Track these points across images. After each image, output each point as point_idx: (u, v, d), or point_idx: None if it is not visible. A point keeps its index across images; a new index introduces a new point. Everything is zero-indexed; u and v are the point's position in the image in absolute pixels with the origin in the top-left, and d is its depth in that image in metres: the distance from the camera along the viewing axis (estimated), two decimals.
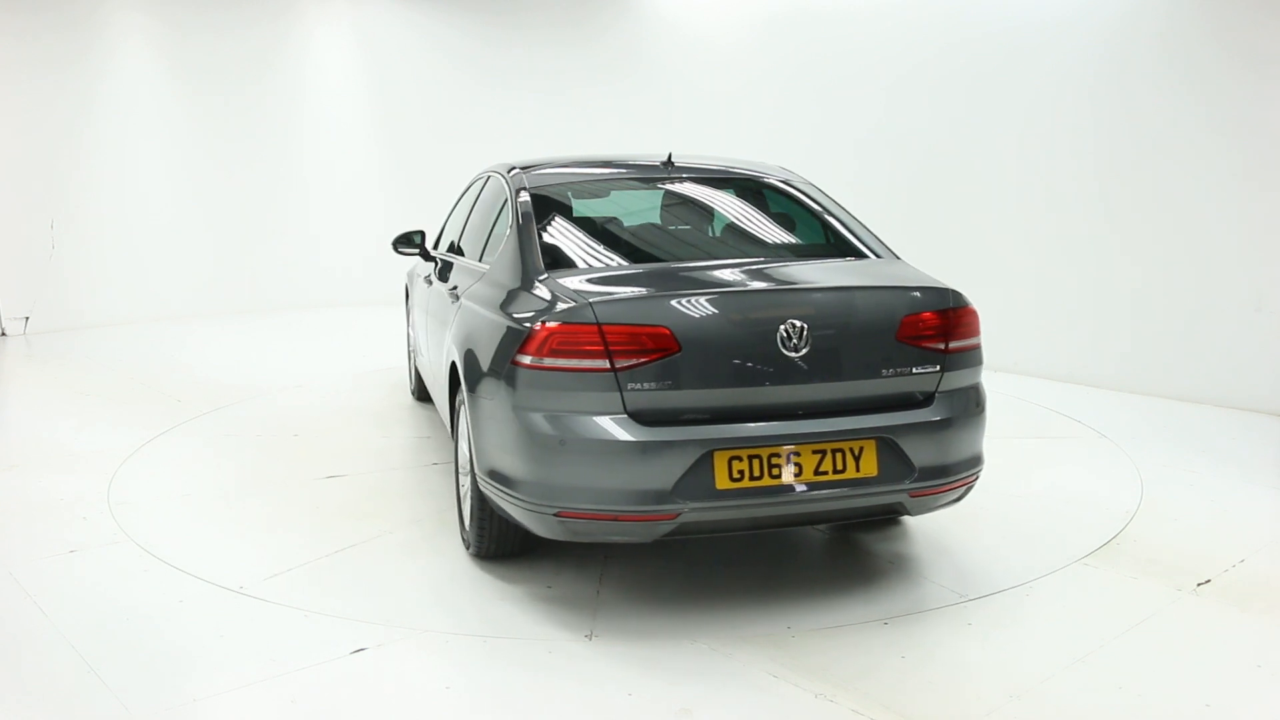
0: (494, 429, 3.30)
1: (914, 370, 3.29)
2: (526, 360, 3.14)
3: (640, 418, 3.09)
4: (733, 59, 9.11)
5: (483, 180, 4.92)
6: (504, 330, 3.33)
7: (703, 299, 3.21)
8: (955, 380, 3.38)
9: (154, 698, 2.83)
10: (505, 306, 3.44)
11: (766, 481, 3.09)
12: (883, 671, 2.97)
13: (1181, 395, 6.34)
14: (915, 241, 7.33)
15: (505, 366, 3.23)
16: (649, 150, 4.65)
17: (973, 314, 3.47)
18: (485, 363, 3.41)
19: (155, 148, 9.92)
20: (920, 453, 3.24)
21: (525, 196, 3.93)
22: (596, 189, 4.43)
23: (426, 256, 5.25)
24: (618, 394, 3.07)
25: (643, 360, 3.07)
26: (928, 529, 4.07)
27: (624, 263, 3.76)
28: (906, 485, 3.22)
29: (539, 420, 3.13)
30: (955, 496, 3.46)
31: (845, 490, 3.15)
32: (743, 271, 3.51)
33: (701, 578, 3.67)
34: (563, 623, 3.29)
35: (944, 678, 2.96)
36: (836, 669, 2.97)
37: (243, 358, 8.08)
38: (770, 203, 4.20)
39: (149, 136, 9.85)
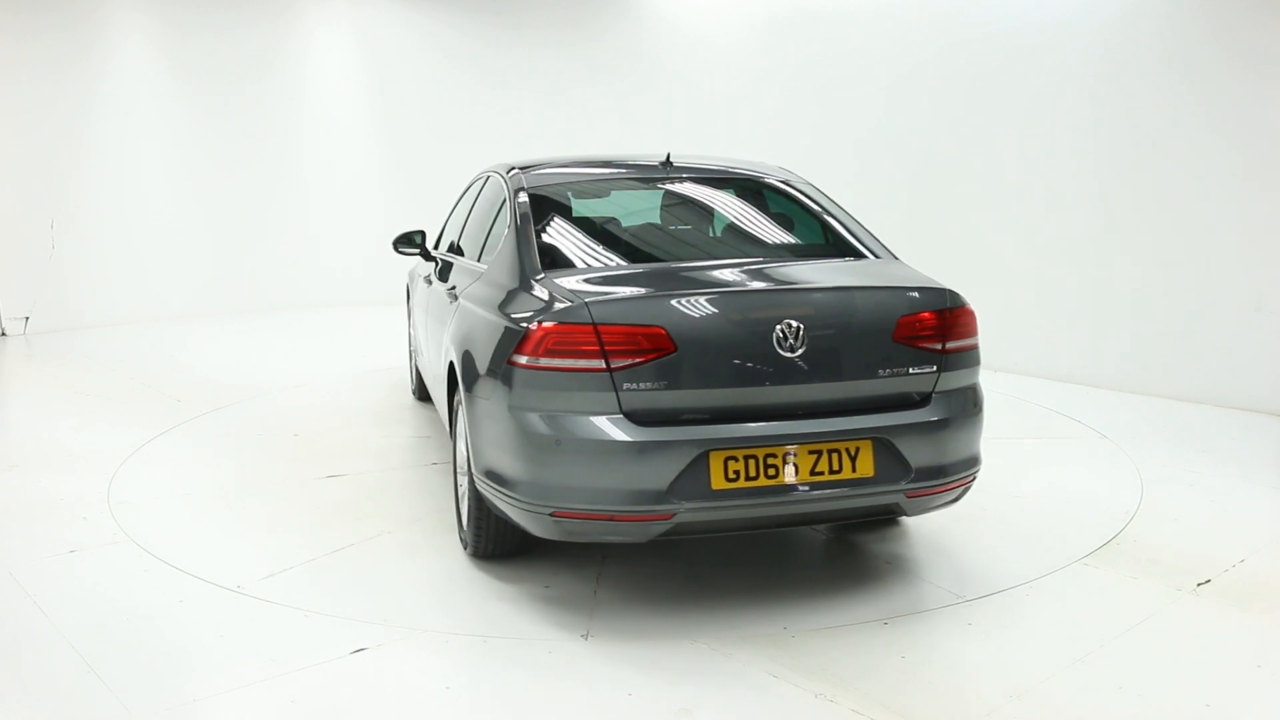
0: (490, 429, 3.30)
1: (910, 370, 3.29)
2: (523, 360, 3.14)
3: (636, 418, 3.09)
4: (733, 59, 9.11)
5: (482, 180, 4.93)
6: (500, 330, 3.33)
7: (699, 299, 3.21)
8: (952, 381, 3.38)
9: (154, 698, 2.83)
10: (502, 306, 3.44)
11: (762, 482, 3.09)
12: (883, 671, 2.97)
13: (1181, 395, 6.34)
14: (915, 241, 7.33)
15: (502, 366, 3.23)
16: (649, 150, 4.65)
17: (970, 314, 3.46)
18: (482, 362, 3.41)
19: (155, 148, 9.92)
20: (916, 453, 3.23)
21: (523, 197, 3.93)
22: (595, 189, 4.44)
23: (427, 256, 5.25)
24: (613, 394, 3.07)
25: (638, 360, 3.07)
26: (927, 529, 4.07)
27: (621, 263, 3.76)
28: (903, 486, 3.22)
29: (535, 420, 3.13)
30: (952, 497, 3.46)
31: (841, 491, 3.15)
32: (740, 271, 3.51)
33: (699, 578, 3.68)
34: (560, 623, 3.29)
35: (944, 678, 2.96)
36: (836, 669, 2.97)
37: (243, 358, 8.08)
38: (768, 203, 4.20)
39: (149, 136, 9.85)
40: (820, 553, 3.97)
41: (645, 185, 4.34)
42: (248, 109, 10.38)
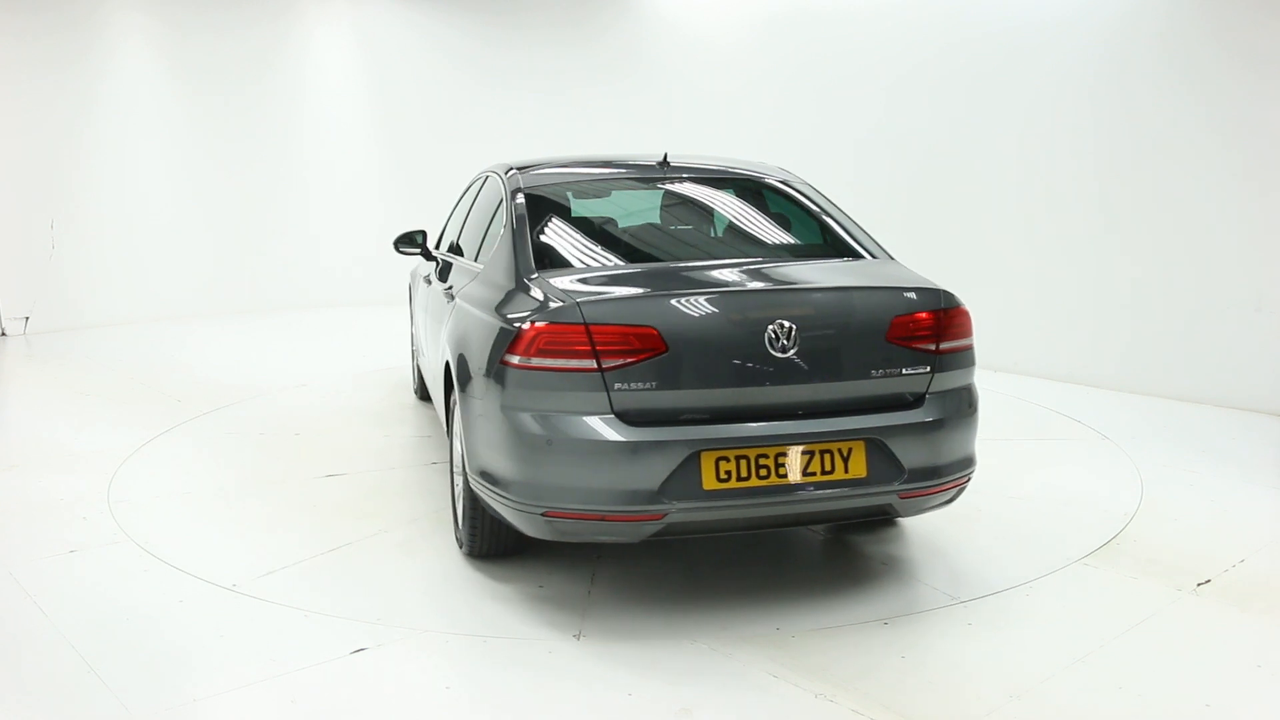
0: (484, 428, 3.31)
1: (904, 371, 3.28)
2: (515, 360, 3.15)
3: (627, 418, 3.09)
4: (733, 59, 9.11)
5: (482, 180, 4.93)
6: (493, 330, 3.34)
7: (691, 299, 3.21)
8: (946, 381, 3.37)
9: (154, 698, 2.83)
10: (496, 306, 3.45)
11: (754, 482, 3.09)
12: (882, 671, 2.97)
13: (1181, 395, 6.34)
14: (915, 241, 7.33)
15: (495, 366, 3.23)
16: (648, 150, 4.66)
17: (964, 314, 3.46)
18: (476, 362, 3.42)
19: (155, 148, 9.91)
20: (910, 454, 3.23)
21: (520, 198, 3.94)
22: (592, 189, 4.44)
23: (428, 256, 5.26)
24: (604, 394, 3.07)
25: (630, 360, 3.08)
26: (926, 530, 4.07)
27: (616, 263, 3.77)
28: (896, 486, 3.21)
29: (527, 420, 3.13)
30: (946, 498, 3.45)
31: (834, 491, 3.15)
32: (733, 271, 3.51)
33: (693, 578, 3.68)
34: (553, 622, 3.29)
35: (944, 678, 2.96)
36: (836, 669, 2.97)
37: (243, 358, 8.08)
38: (765, 203, 4.20)
39: (149, 136, 9.85)
40: (818, 553, 3.97)
41: (642, 185, 4.34)
42: (248, 109, 10.38)
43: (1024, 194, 7.12)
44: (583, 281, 3.42)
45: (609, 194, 4.41)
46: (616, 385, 3.07)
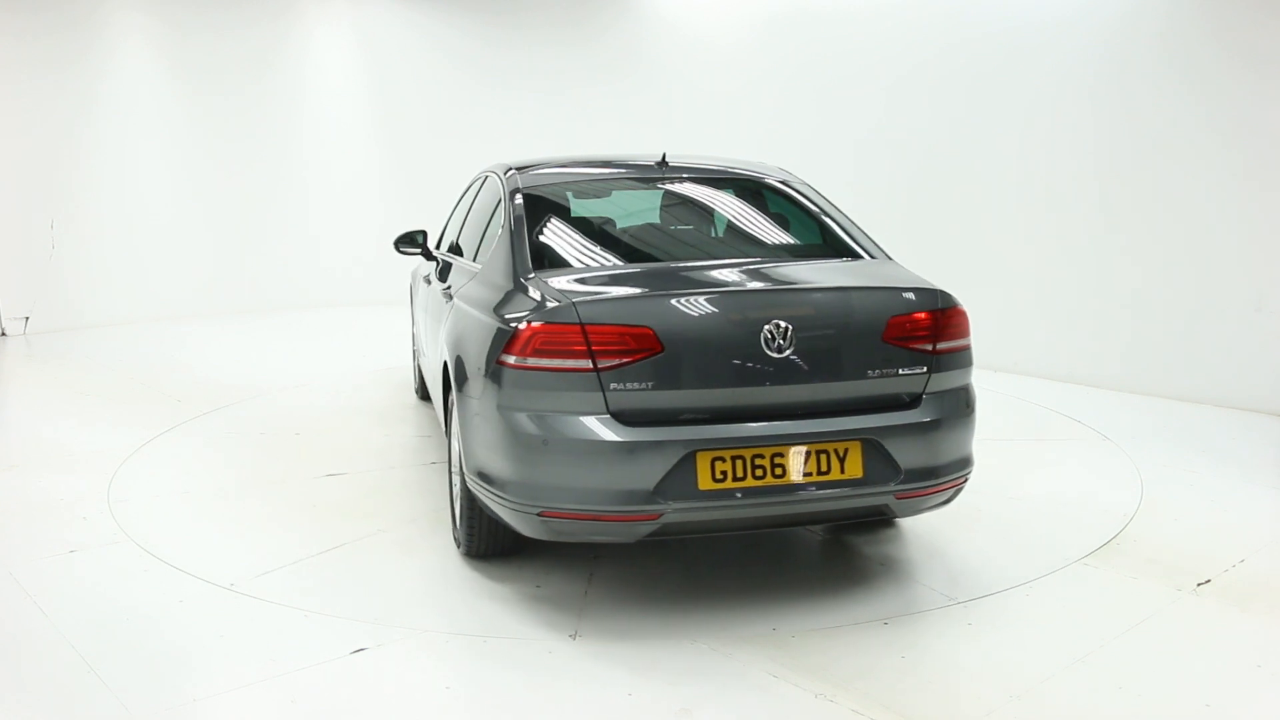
0: (480, 428, 3.31)
1: (900, 371, 3.27)
2: (511, 360, 3.15)
3: (623, 418, 3.09)
4: (733, 59, 9.11)
5: (481, 180, 4.94)
6: (490, 330, 3.34)
7: (686, 299, 3.21)
8: (943, 381, 3.37)
9: (154, 698, 2.83)
10: (493, 306, 3.45)
11: (750, 483, 3.09)
12: (882, 671, 2.97)
13: (1181, 395, 6.34)
14: (915, 241, 7.34)
15: (491, 366, 3.24)
16: (647, 150, 4.66)
17: (962, 315, 3.45)
18: (473, 362, 3.42)
19: (155, 148, 9.91)
20: (906, 454, 3.22)
21: (519, 198, 3.94)
22: (590, 189, 4.44)
23: (428, 256, 5.26)
24: (600, 394, 3.07)
25: (625, 360, 3.08)
26: (926, 530, 4.07)
27: (614, 263, 3.77)
28: (892, 487, 3.21)
29: (523, 420, 3.14)
30: (943, 499, 3.44)
31: (830, 492, 3.15)
32: (730, 272, 3.51)
33: (690, 578, 3.68)
34: (549, 622, 3.29)
35: (944, 678, 2.96)
36: (836, 669, 2.97)
37: (243, 358, 8.08)
38: (763, 203, 4.20)
39: (149, 136, 9.85)
40: (817, 554, 3.97)
41: (641, 185, 4.34)
42: (248, 109, 10.38)
43: (1024, 194, 7.12)
44: (580, 281, 3.42)
45: (607, 194, 4.41)
46: (612, 385, 3.07)
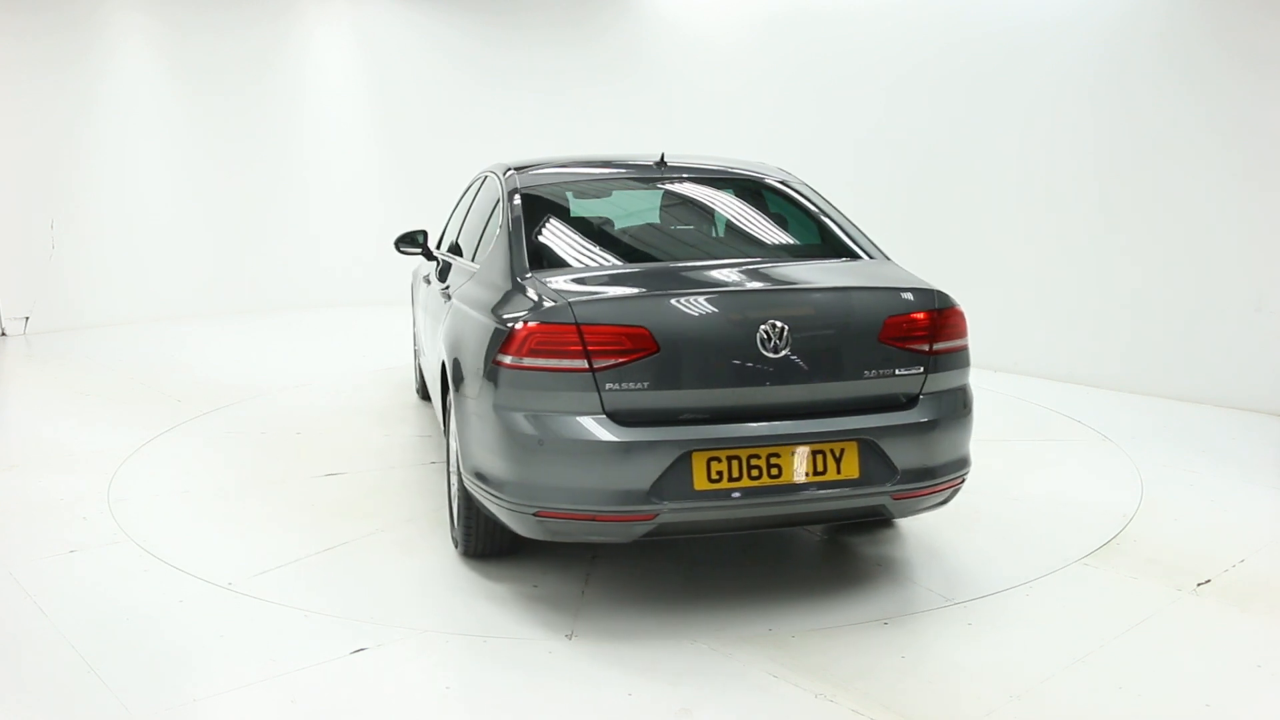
0: (477, 428, 3.31)
1: (897, 372, 3.27)
2: (507, 360, 3.15)
3: (618, 418, 3.09)
4: (733, 59, 9.10)
5: (481, 180, 4.94)
6: (486, 330, 3.34)
7: (682, 299, 3.21)
8: (941, 382, 3.36)
9: (154, 698, 2.83)
10: (490, 306, 3.46)
11: (746, 483, 3.09)
12: (882, 671, 2.97)
13: (1181, 395, 6.34)
14: (915, 241, 7.34)
15: (487, 366, 3.24)
16: (647, 150, 4.66)
17: (959, 315, 3.45)
18: (470, 362, 3.43)
19: (155, 148, 9.91)
20: (902, 455, 3.22)
21: (517, 198, 3.94)
22: (588, 189, 4.45)
23: (429, 256, 5.27)
24: (595, 394, 3.08)
25: (621, 360, 3.08)
26: (926, 530, 4.07)
27: (611, 263, 3.77)
28: (889, 487, 3.20)
29: (519, 420, 3.14)
30: (941, 499, 3.44)
31: (826, 492, 3.14)
32: (727, 272, 3.51)
33: (687, 578, 3.68)
34: (546, 622, 3.29)
35: (944, 678, 2.96)
36: (836, 669, 2.97)
37: (243, 358, 8.08)
38: (761, 203, 4.19)
39: (149, 136, 9.85)
40: (817, 554, 3.97)
41: (639, 185, 4.34)
42: (248, 109, 10.38)
43: (1024, 194, 7.12)
44: (576, 281, 3.43)
45: (605, 194, 4.41)
46: (608, 385, 3.07)
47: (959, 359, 3.44)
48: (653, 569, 3.72)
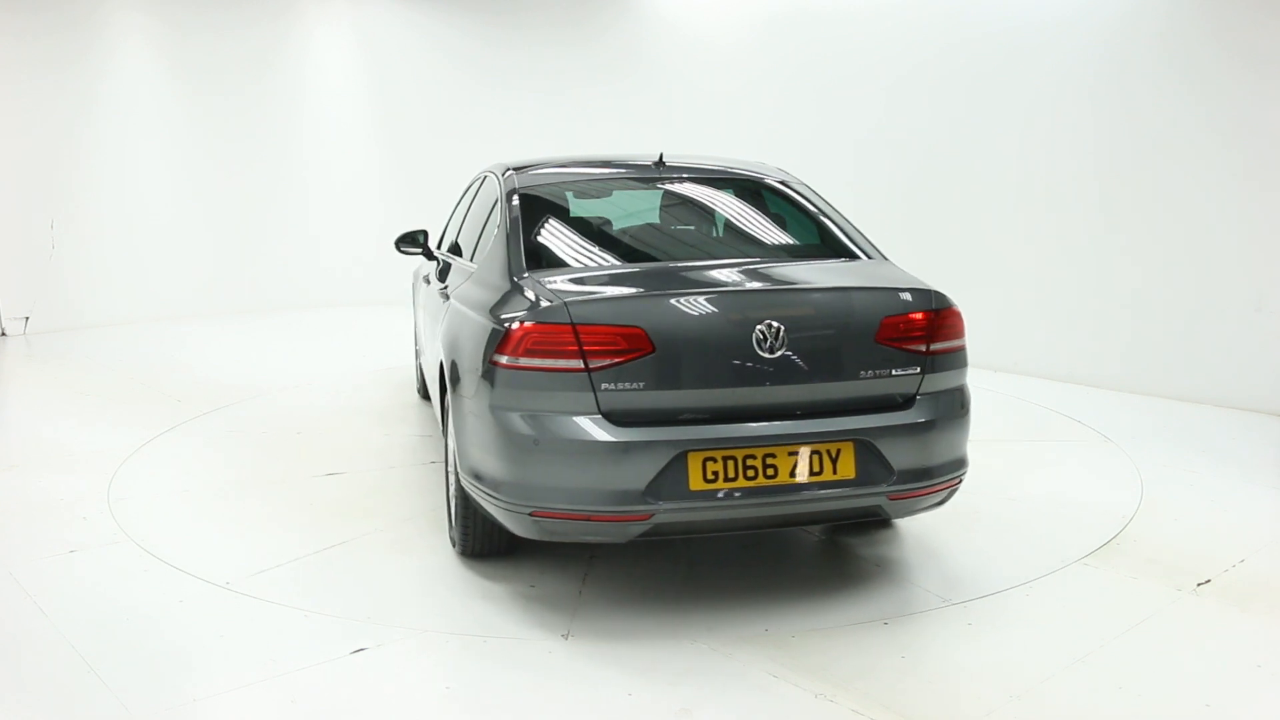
0: (473, 428, 3.31)
1: (894, 372, 3.27)
2: (503, 360, 3.15)
3: (614, 418, 3.09)
4: (733, 59, 9.10)
5: (480, 180, 4.94)
6: (483, 330, 3.34)
7: (678, 299, 3.21)
8: (938, 382, 3.36)
9: (154, 698, 2.83)
10: (487, 306, 3.46)
11: (742, 483, 3.09)
12: (882, 671, 2.97)
13: (1181, 395, 6.34)
14: (915, 242, 7.34)
15: (484, 366, 3.24)
16: (646, 150, 4.66)
17: (956, 315, 3.44)
18: (467, 362, 3.43)
19: (155, 148, 9.91)
20: (899, 455, 3.21)
21: (515, 198, 3.95)
22: (587, 189, 4.45)
23: (429, 255, 5.27)
24: (591, 394, 3.08)
25: (616, 360, 3.08)
26: (924, 531, 4.07)
27: (608, 263, 3.78)
28: (885, 488, 3.20)
29: (515, 420, 3.14)
30: (937, 500, 3.43)
31: (822, 492, 3.14)
32: (724, 272, 3.51)
33: (684, 578, 3.68)
34: (541, 622, 3.29)
35: (944, 677, 2.96)
36: (836, 669, 2.97)
37: (243, 358, 8.08)
38: (759, 203, 4.19)
39: (149, 136, 9.84)
40: (817, 554, 3.97)
41: (637, 185, 4.35)
42: (248, 109, 10.38)
43: (1024, 194, 7.12)
44: (573, 282, 3.43)
45: (604, 194, 4.42)
46: (603, 385, 3.07)
47: (956, 359, 3.43)
48: (651, 569, 3.72)
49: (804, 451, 3.13)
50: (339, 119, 11.02)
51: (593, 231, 3.98)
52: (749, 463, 3.09)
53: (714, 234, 4.13)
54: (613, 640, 3.18)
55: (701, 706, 2.78)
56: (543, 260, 3.64)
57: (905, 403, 3.31)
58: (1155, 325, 6.51)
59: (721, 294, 3.28)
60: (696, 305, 3.19)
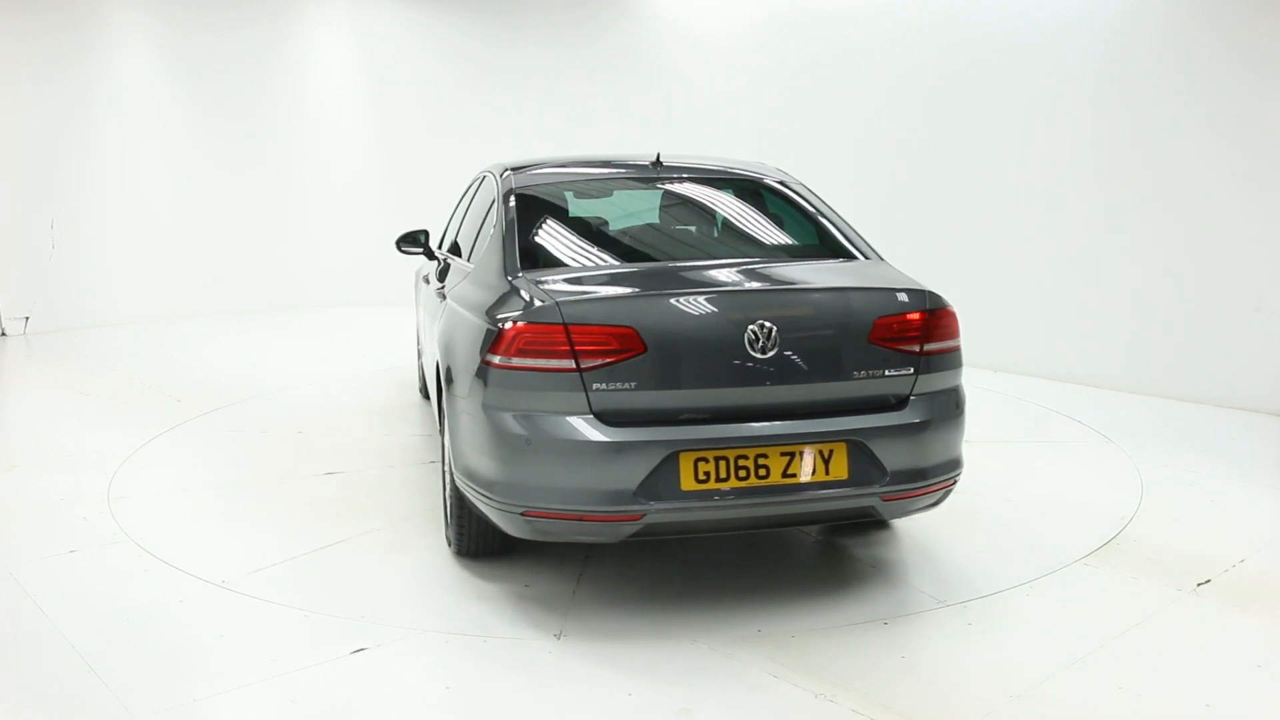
0: (467, 427, 3.32)
1: (887, 372, 3.26)
2: (496, 360, 3.16)
3: (606, 418, 3.09)
4: (733, 59, 9.10)
5: (480, 180, 4.94)
6: (477, 330, 3.35)
7: (670, 299, 3.21)
8: (932, 383, 3.35)
9: (154, 698, 2.83)
10: (481, 306, 3.46)
11: (734, 483, 3.08)
12: (882, 671, 2.97)
13: (1181, 395, 6.34)
14: (915, 242, 7.34)
15: (477, 366, 3.24)
16: (645, 150, 4.66)
17: (951, 316, 3.43)
18: (461, 362, 3.44)
19: (155, 148, 9.91)
20: (892, 456, 3.21)
21: (512, 198, 3.95)
22: (583, 189, 4.45)
23: (430, 255, 5.27)
24: (583, 394, 3.08)
25: (608, 360, 3.08)
26: (923, 531, 4.07)
27: (604, 263, 3.78)
28: (878, 489, 3.19)
29: (507, 420, 3.14)
30: (931, 501, 3.42)
31: (815, 493, 3.14)
32: (717, 272, 3.51)
33: (679, 578, 3.68)
34: (535, 622, 3.29)
35: (943, 677, 2.95)
36: (836, 669, 2.97)
37: (243, 358, 8.08)
38: (756, 203, 4.19)
39: (149, 136, 9.84)
40: (815, 555, 3.97)
41: (634, 185, 4.35)
42: (248, 109, 10.37)
43: (1024, 194, 7.12)
44: (568, 281, 3.43)
45: (600, 194, 4.42)
46: (595, 385, 3.07)
47: (951, 360, 3.42)
48: (646, 569, 3.72)
49: (796, 452, 3.12)
50: (339, 119, 11.02)
51: (589, 231, 3.98)
52: (741, 463, 3.09)
53: (710, 234, 4.13)
54: (607, 640, 3.18)
55: (701, 706, 2.78)
56: (538, 260, 3.65)
57: (899, 403, 3.30)
58: (1155, 325, 6.51)
59: (714, 294, 3.27)
60: (689, 305, 3.19)
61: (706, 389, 3.13)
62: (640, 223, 4.23)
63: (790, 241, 4.03)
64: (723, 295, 3.28)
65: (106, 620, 3.32)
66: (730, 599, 3.46)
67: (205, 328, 9.45)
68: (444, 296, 4.16)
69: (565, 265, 3.65)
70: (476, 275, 3.83)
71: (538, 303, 3.19)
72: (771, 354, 3.14)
